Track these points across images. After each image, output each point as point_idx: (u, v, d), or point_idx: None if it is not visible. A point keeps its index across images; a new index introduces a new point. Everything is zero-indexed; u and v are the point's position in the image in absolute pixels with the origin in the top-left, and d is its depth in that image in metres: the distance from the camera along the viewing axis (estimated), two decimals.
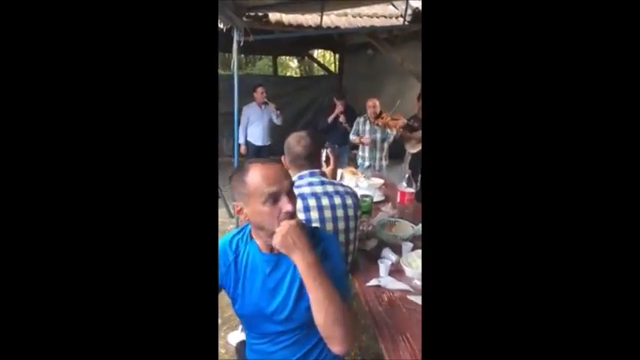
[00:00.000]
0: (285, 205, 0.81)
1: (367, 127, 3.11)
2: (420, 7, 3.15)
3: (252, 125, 3.69)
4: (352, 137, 3.18)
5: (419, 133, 3.04)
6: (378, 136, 3.08)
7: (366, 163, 3.15)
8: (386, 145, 3.13)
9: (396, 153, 3.41)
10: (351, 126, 3.25)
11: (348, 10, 3.49)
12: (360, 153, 3.20)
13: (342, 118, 3.41)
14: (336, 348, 0.79)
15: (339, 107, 3.42)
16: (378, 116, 3.00)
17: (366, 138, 3.07)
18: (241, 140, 3.67)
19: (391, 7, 3.67)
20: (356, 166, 3.21)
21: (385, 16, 3.70)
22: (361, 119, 3.15)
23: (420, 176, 3.34)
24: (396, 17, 3.58)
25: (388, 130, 3.04)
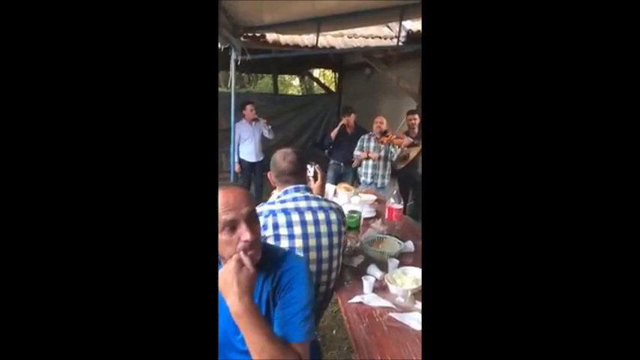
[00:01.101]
0: (244, 234, 0.76)
1: (372, 144, 3.18)
2: (413, 29, 3.24)
3: (245, 143, 3.72)
4: (357, 153, 3.25)
5: (409, 150, 3.11)
6: (382, 153, 3.13)
7: (369, 180, 3.19)
8: (389, 164, 3.19)
9: (395, 172, 3.46)
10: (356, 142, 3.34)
11: (344, 31, 3.58)
12: (363, 170, 3.25)
13: (349, 130, 3.44)
14: None
15: (343, 121, 3.46)
16: (384, 134, 3.06)
17: (374, 153, 3.13)
18: (235, 159, 3.71)
19: (386, 28, 3.77)
20: (359, 183, 3.26)
21: (380, 37, 3.80)
22: (366, 136, 3.23)
23: (410, 192, 3.40)
24: (391, 38, 3.67)
25: (392, 149, 3.10)
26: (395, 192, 1.96)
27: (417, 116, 3.21)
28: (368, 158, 3.18)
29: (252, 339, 0.72)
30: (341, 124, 3.46)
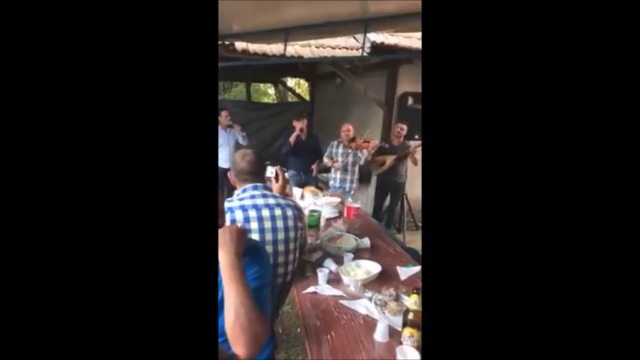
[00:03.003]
0: None
1: (340, 150, 3.29)
2: (378, 41, 3.41)
3: (219, 149, 3.76)
4: (325, 160, 3.35)
5: (385, 157, 3.26)
6: (350, 159, 3.26)
7: (337, 184, 3.31)
8: (357, 169, 3.32)
9: (363, 177, 3.59)
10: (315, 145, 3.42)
11: (312, 42, 3.72)
12: (333, 175, 3.37)
13: (303, 137, 3.38)
14: (238, 350, 0.77)
15: (298, 125, 3.32)
16: (352, 140, 3.19)
17: (338, 163, 3.24)
18: None
19: (352, 39, 3.94)
20: (327, 188, 3.35)
21: (347, 48, 3.96)
22: (335, 142, 3.34)
23: (388, 198, 3.54)
24: (357, 49, 3.84)
25: (359, 154, 3.23)
26: (353, 192, 2.07)
27: (404, 126, 3.36)
28: (334, 167, 3.29)
29: (234, 292, 0.79)
30: (299, 128, 3.31)
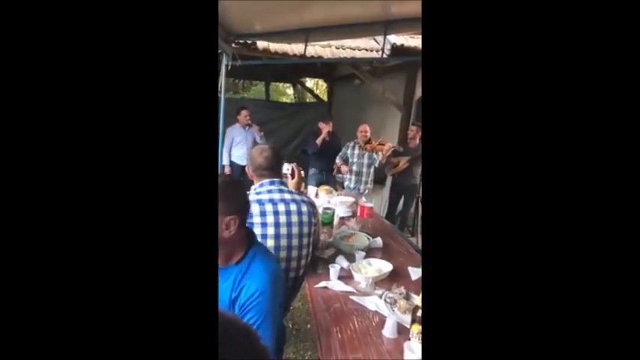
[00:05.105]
0: None
1: (356, 151, 3.31)
2: (397, 43, 3.42)
3: (237, 146, 3.84)
4: (338, 161, 3.37)
5: (399, 159, 3.27)
6: (365, 160, 3.27)
7: (352, 185, 3.34)
8: (372, 170, 3.33)
9: (379, 179, 3.59)
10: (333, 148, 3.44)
11: (332, 42, 3.76)
12: (348, 176, 3.40)
13: (327, 138, 3.49)
14: None
15: (326, 128, 3.48)
16: (367, 142, 3.22)
17: (345, 167, 3.28)
18: (225, 161, 3.82)
19: (372, 41, 3.95)
20: (342, 189, 3.39)
21: (367, 49, 3.98)
22: (351, 143, 3.35)
23: (402, 200, 3.54)
24: (377, 51, 3.85)
25: (374, 155, 3.24)
26: (367, 191, 2.09)
27: (415, 128, 3.37)
28: (341, 170, 3.31)
29: None
30: (326, 131, 3.48)
